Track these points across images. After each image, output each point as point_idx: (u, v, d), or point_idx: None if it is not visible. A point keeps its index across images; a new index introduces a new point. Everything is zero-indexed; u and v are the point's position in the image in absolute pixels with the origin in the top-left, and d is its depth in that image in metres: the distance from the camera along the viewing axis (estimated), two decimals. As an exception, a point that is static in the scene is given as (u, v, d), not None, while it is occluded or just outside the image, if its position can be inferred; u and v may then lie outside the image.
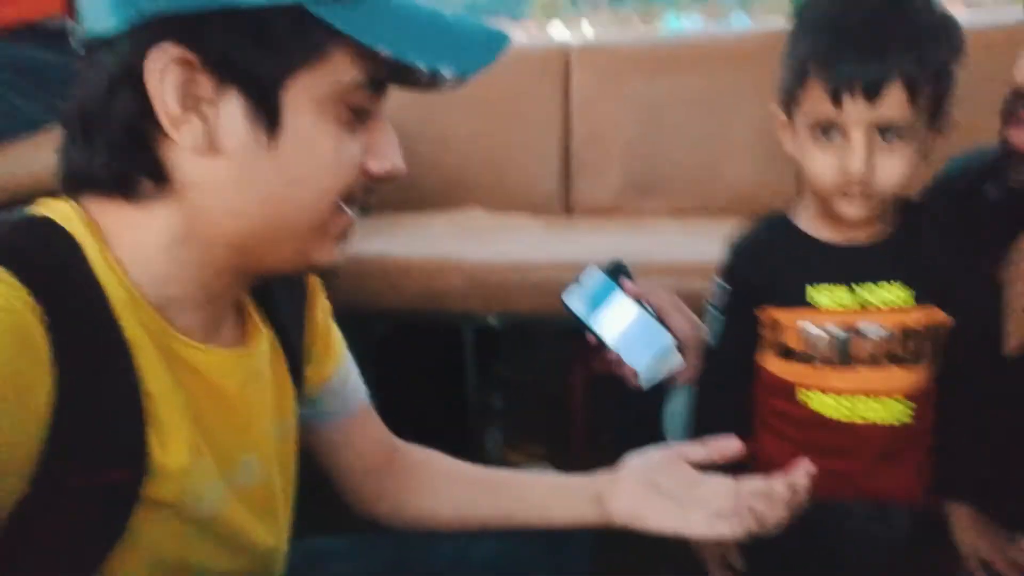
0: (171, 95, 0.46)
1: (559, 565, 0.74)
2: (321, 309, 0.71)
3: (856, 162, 0.66)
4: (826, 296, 0.73)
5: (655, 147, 2.02)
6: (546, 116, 2.10)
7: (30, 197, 0.53)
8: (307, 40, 0.48)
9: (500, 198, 2.05)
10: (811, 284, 0.73)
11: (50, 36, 0.92)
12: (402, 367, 1.58)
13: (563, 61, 2.11)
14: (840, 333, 0.73)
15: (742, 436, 0.74)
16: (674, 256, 1.54)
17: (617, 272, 0.94)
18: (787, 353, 0.76)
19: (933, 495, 0.78)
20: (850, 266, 0.72)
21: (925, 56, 0.63)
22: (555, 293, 1.59)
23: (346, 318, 0.75)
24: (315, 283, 0.70)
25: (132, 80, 0.47)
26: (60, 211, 0.50)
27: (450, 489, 0.76)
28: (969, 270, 0.73)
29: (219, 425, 0.56)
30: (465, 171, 2.07)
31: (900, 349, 0.71)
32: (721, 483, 0.67)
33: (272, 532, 0.62)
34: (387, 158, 0.54)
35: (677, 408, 1.06)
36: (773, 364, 0.78)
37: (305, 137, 0.49)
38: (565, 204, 2.11)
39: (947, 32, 0.65)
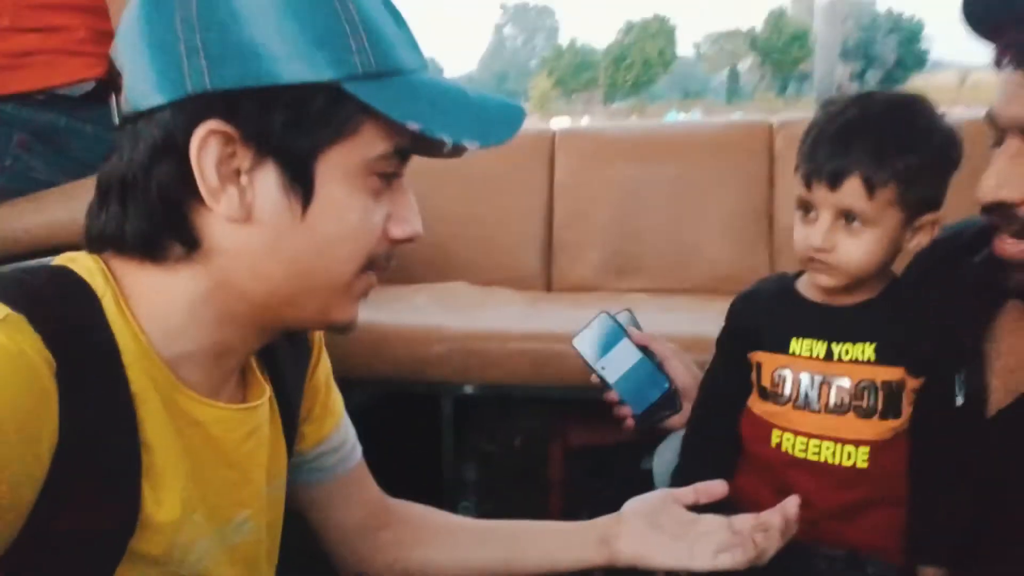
0: (211, 167, 0.49)
1: None
2: (323, 369, 0.73)
3: (815, 237, 0.78)
4: (805, 347, 0.83)
5: (634, 228, 2.10)
6: (531, 197, 2.18)
7: (42, 249, 0.56)
8: (341, 116, 0.50)
9: (484, 273, 2.10)
10: (794, 335, 0.83)
11: (67, 103, 0.95)
12: (380, 436, 1.58)
13: (548, 145, 2.21)
14: (811, 381, 0.82)
15: (724, 471, 0.83)
16: (650, 330, 1.58)
17: (625, 320, 1.05)
18: (765, 394, 0.85)
19: (906, 556, 0.81)
20: (829, 324, 0.82)
21: (884, 162, 0.74)
22: (533, 363, 1.63)
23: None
24: (319, 343, 0.72)
25: (174, 151, 0.49)
26: (84, 265, 0.52)
27: (450, 539, 0.77)
28: (943, 334, 0.80)
29: (217, 479, 0.57)
30: (452, 246, 2.13)
31: (860, 401, 0.80)
32: (715, 520, 0.73)
33: None
34: (409, 223, 0.57)
35: (666, 457, 1.08)
36: (755, 405, 0.87)
37: (335, 206, 0.52)
38: (547, 281, 2.16)
39: (921, 144, 0.75)
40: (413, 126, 0.51)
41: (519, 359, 1.60)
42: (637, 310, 1.80)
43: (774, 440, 0.84)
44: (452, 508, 1.75)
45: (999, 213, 0.69)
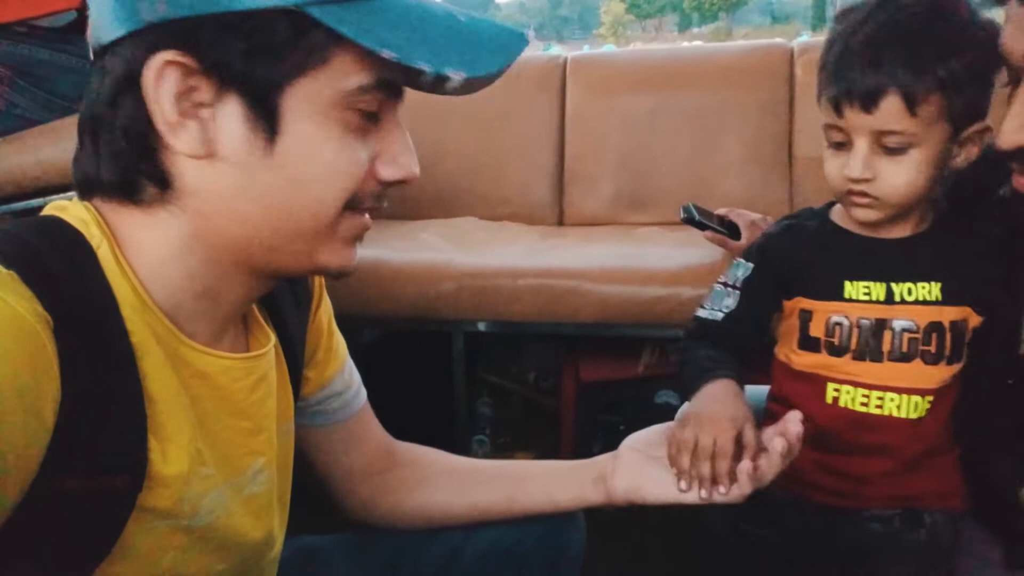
0: (168, 100, 0.46)
1: (555, 556, 0.75)
2: (324, 312, 0.71)
3: (854, 168, 0.70)
4: (861, 290, 0.75)
5: (648, 160, 2.04)
6: (541, 129, 2.12)
7: (34, 190, 0.54)
8: (307, 44, 0.47)
9: (495, 208, 2.07)
10: (847, 278, 0.76)
11: (46, 34, 0.92)
12: (391, 374, 1.59)
13: (559, 75, 2.14)
14: (872, 327, 0.75)
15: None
16: (664, 264, 1.56)
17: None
18: (814, 345, 0.78)
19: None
20: (885, 262, 0.75)
21: (924, 68, 0.66)
22: (545, 299, 1.62)
23: (337, 324, 0.75)
24: (319, 286, 0.71)
25: (133, 87, 0.47)
26: (75, 214, 0.50)
27: (454, 480, 0.77)
28: (993, 269, 0.74)
29: (227, 430, 0.56)
30: (461, 181, 2.09)
31: (929, 345, 0.74)
32: None
33: (270, 534, 0.62)
34: (400, 164, 0.53)
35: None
36: (797, 359, 0.80)
37: (305, 143, 0.49)
38: (559, 215, 2.13)
39: (962, 46, 0.67)
40: (388, 54, 0.47)
41: (531, 295, 1.58)
42: (651, 243, 1.78)
43: (830, 395, 0.77)
44: (466, 443, 1.80)
45: (1020, 158, 0.65)
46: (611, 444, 1.67)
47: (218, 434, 0.55)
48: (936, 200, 0.76)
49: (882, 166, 0.70)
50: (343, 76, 0.48)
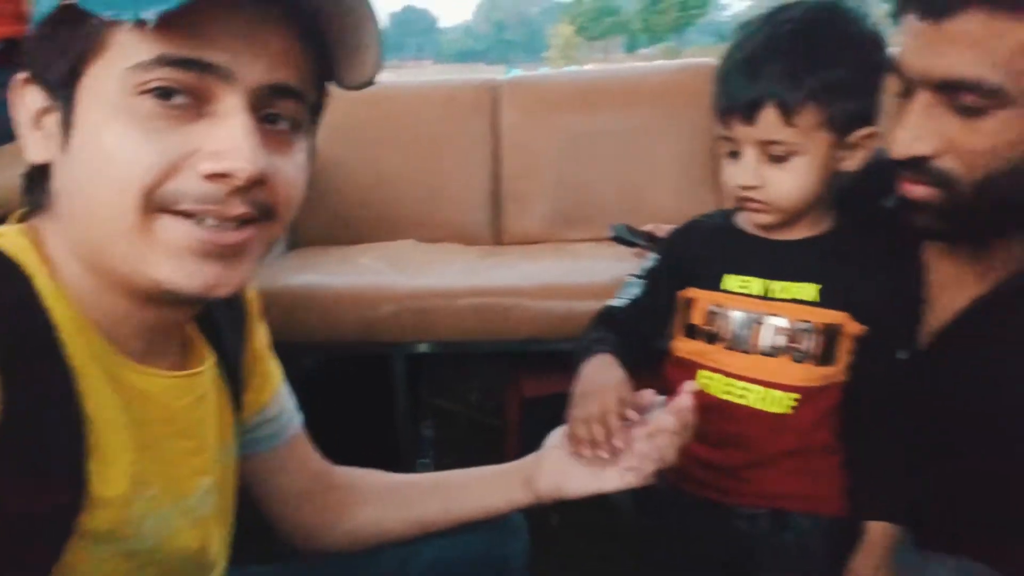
0: (24, 115, 0.50)
1: (499, 567, 0.76)
2: (260, 336, 0.71)
3: (742, 176, 0.74)
4: (739, 284, 0.78)
5: (582, 178, 2.08)
6: (477, 150, 2.14)
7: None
8: (83, 32, 0.47)
9: (433, 230, 2.07)
10: (727, 271, 0.79)
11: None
12: (331, 399, 1.56)
13: (492, 97, 2.17)
14: (745, 319, 0.77)
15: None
16: (602, 278, 1.59)
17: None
18: (694, 333, 0.81)
19: (851, 513, 0.79)
20: (767, 260, 0.78)
21: (797, 80, 0.69)
22: (485, 318, 1.62)
23: (275, 350, 0.75)
24: (254, 309, 0.70)
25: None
26: (12, 240, 0.50)
27: (390, 498, 0.76)
28: (890, 282, 0.78)
29: (172, 450, 0.55)
30: (398, 204, 2.09)
31: (797, 343, 0.76)
32: (633, 433, 0.70)
33: (214, 555, 0.61)
34: (222, 157, 0.47)
35: None
36: (681, 346, 0.83)
37: (91, 133, 0.48)
38: (496, 234, 2.14)
39: (839, 57, 0.70)
40: (105, 13, 0.45)
41: (471, 315, 1.58)
42: (588, 259, 1.81)
43: (700, 382, 0.80)
44: (410, 467, 1.78)
45: (913, 166, 0.69)
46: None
47: (162, 454, 0.54)
48: (830, 206, 0.80)
49: (769, 174, 0.73)
50: (122, 56, 0.46)
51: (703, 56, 2.35)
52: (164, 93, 0.46)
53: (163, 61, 0.46)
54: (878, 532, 0.77)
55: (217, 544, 0.62)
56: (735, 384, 0.78)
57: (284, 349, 0.75)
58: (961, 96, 0.64)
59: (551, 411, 1.87)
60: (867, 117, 0.74)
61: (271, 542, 0.76)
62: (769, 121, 0.71)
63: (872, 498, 0.78)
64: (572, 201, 2.09)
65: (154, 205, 0.47)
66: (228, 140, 0.47)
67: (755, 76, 0.70)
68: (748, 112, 0.71)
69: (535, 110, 2.14)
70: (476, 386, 2.09)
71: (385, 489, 0.77)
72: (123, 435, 0.50)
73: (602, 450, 0.68)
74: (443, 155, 2.13)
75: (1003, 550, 0.82)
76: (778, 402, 0.77)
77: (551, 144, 2.10)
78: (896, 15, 0.69)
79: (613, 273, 1.59)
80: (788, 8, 0.74)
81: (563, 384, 1.84)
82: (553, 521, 1.61)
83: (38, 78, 0.50)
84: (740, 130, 0.72)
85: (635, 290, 0.85)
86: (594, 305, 1.55)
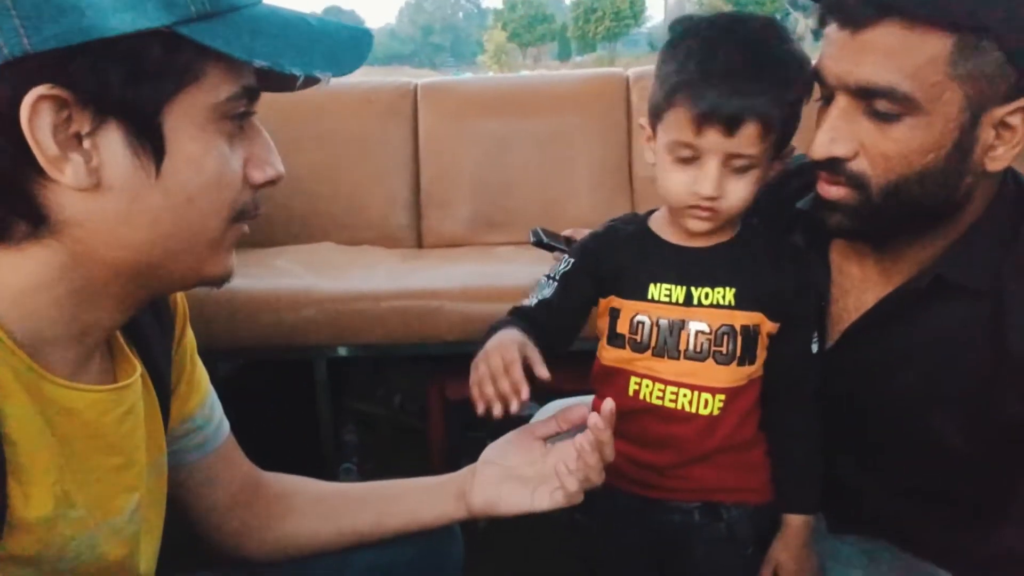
0: (46, 136, 0.45)
1: (434, 571, 0.77)
2: (188, 342, 0.70)
3: (707, 186, 0.74)
4: (663, 292, 0.80)
5: (501, 182, 2.11)
6: (396, 153, 2.14)
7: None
8: (181, 62, 0.48)
9: (353, 233, 2.05)
10: (652, 280, 0.80)
11: None
12: (252, 406, 1.53)
13: (410, 100, 2.17)
14: (670, 326, 0.80)
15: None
16: (523, 281, 1.61)
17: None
18: (620, 342, 0.82)
19: (776, 506, 0.83)
20: (688, 268, 0.80)
21: (778, 98, 0.72)
22: (408, 321, 1.63)
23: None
24: (182, 315, 0.69)
25: (4, 124, 0.45)
26: None
27: (321, 507, 0.76)
28: (789, 278, 0.81)
29: (99, 468, 0.54)
30: (316, 207, 2.06)
31: (720, 346, 0.79)
32: (566, 448, 0.72)
33: (143, 571, 0.60)
34: (270, 164, 0.55)
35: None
36: (607, 353, 0.84)
37: (191, 159, 0.50)
38: (417, 237, 2.15)
39: (799, 74, 0.74)
40: (260, 63, 0.49)
41: (393, 318, 1.59)
42: (508, 262, 1.84)
43: (631, 388, 0.81)
44: (333, 472, 1.76)
45: (830, 167, 0.74)
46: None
47: (89, 473, 0.53)
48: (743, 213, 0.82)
49: (729, 185, 0.75)
50: (214, 89, 0.50)
51: (636, 65, 2.41)
52: (244, 116, 0.53)
53: (246, 92, 0.52)
54: (797, 522, 0.81)
55: (146, 559, 0.60)
56: (666, 389, 0.80)
57: (200, 355, 0.74)
58: (875, 102, 0.69)
59: (474, 414, 1.89)
60: (793, 134, 0.78)
61: (198, 552, 0.74)
62: (749, 135, 0.72)
63: (791, 494, 0.83)
64: (492, 205, 2.12)
65: (235, 216, 0.54)
66: (268, 148, 0.55)
67: (738, 91, 0.70)
68: (730, 126, 0.71)
69: (452, 115, 2.16)
70: (399, 390, 2.08)
71: (315, 499, 0.77)
72: (46, 455, 0.49)
73: (512, 401, 0.68)
74: (362, 157, 2.12)
75: (902, 528, 0.89)
76: (708, 404, 0.79)
77: (469, 148, 2.13)
78: (820, 24, 0.74)
79: (534, 276, 1.60)
80: (742, 22, 0.75)
81: (486, 385, 1.86)
82: (481, 524, 1.63)
83: (90, 100, 0.46)
84: (714, 139, 0.72)
85: (547, 291, 0.85)
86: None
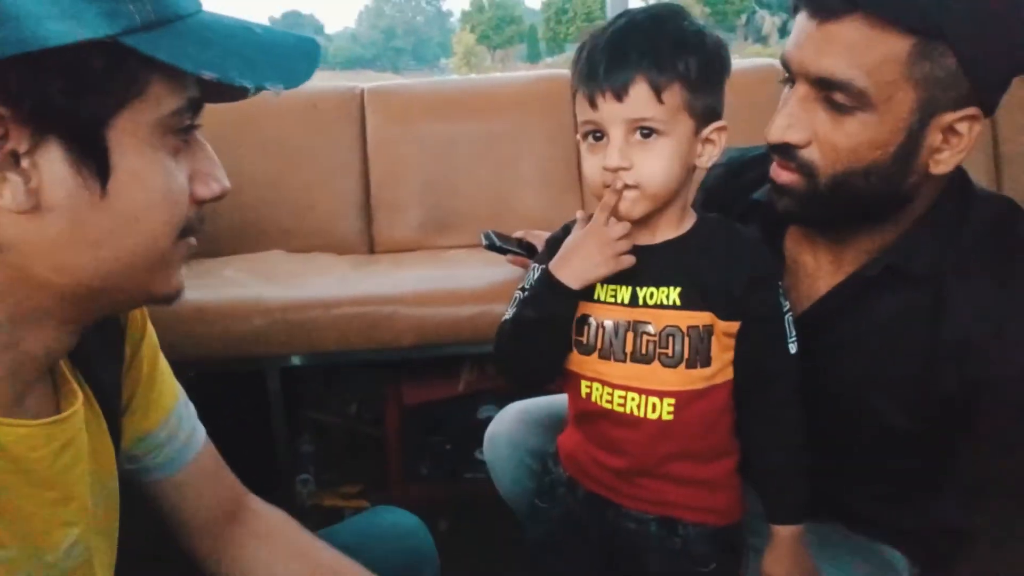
0: None
1: None
2: (145, 360, 0.67)
3: (611, 157, 0.74)
4: (609, 293, 0.80)
5: (451, 185, 2.11)
6: (344, 158, 2.12)
7: None
8: (125, 75, 0.46)
9: (302, 240, 2.03)
10: (600, 281, 0.79)
11: None
12: (204, 418, 1.50)
13: (357, 104, 2.15)
14: (615, 328, 0.79)
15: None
16: (476, 283, 1.62)
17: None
18: (575, 345, 0.82)
19: (769, 522, 0.80)
20: (634, 268, 0.77)
21: (664, 62, 0.73)
22: (361, 328, 1.61)
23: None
24: (137, 331, 0.66)
25: None
26: None
27: (288, 566, 0.73)
28: (744, 274, 0.78)
29: (30, 503, 0.51)
30: (263, 214, 2.03)
31: (665, 348, 0.77)
32: None
33: None
34: (214, 179, 0.53)
35: (499, 429, 1.12)
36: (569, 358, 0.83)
37: (136, 176, 0.48)
38: (368, 243, 2.13)
39: (697, 46, 0.74)
40: (208, 75, 0.47)
41: (346, 325, 1.57)
42: (460, 265, 1.84)
43: (583, 391, 0.81)
44: (289, 483, 1.73)
45: (784, 152, 0.77)
46: (438, 465, 1.71)
47: (18, 509, 0.50)
48: (690, 210, 0.82)
49: (637, 154, 0.74)
50: (159, 102, 0.48)
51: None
52: (188, 129, 0.51)
53: (192, 105, 0.50)
54: (785, 532, 0.79)
55: None
56: (614, 393, 0.79)
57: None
58: (832, 94, 0.72)
59: (431, 418, 1.89)
60: (718, 112, 0.78)
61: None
62: (640, 98, 0.72)
63: (773, 503, 0.80)
64: (442, 208, 2.11)
65: (182, 233, 0.52)
66: (212, 163, 0.54)
67: (624, 58, 0.72)
68: (620, 90, 0.72)
69: (399, 118, 2.15)
70: (355, 397, 2.06)
71: (288, 555, 0.74)
72: None
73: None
74: (309, 163, 2.09)
75: (848, 508, 0.92)
76: (656, 408, 0.77)
77: (418, 152, 2.12)
78: (793, 10, 0.76)
79: (488, 278, 1.63)
80: (638, 11, 0.77)
81: (442, 390, 1.88)
82: (441, 527, 1.63)
83: (28, 116, 0.43)
84: (609, 110, 0.73)
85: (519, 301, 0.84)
86: (471, 310, 1.60)
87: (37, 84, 0.43)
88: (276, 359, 1.60)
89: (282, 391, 1.64)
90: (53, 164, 0.45)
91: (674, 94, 0.73)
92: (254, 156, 2.03)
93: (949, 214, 0.79)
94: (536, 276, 0.83)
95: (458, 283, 1.64)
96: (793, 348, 0.79)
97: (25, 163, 0.44)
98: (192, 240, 0.54)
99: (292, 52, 0.53)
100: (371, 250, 2.12)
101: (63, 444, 0.53)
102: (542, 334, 0.81)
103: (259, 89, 0.50)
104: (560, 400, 1.07)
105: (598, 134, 0.76)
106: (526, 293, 0.83)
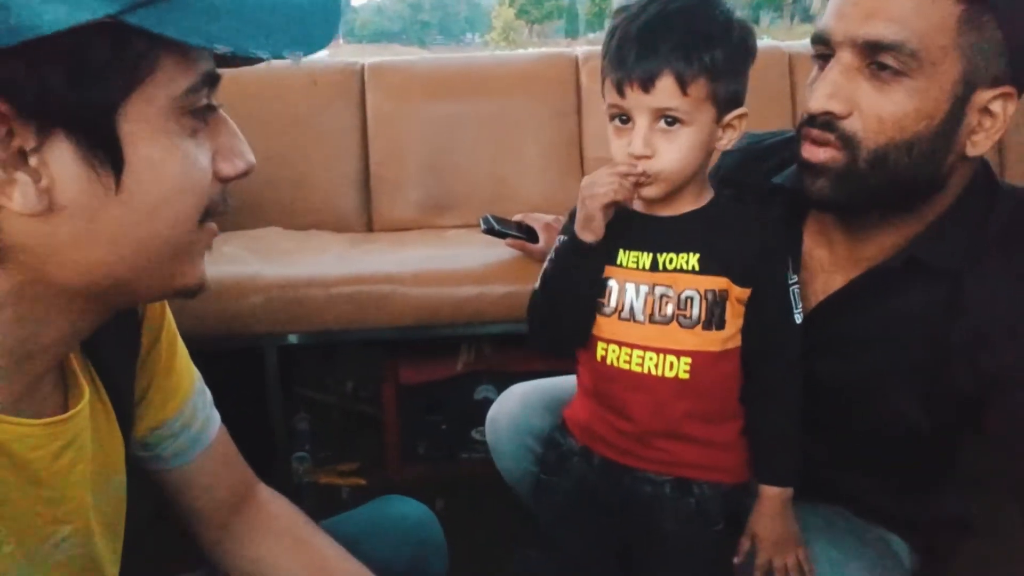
0: None
1: None
2: (164, 348, 0.65)
3: (636, 144, 0.78)
4: (631, 258, 0.84)
5: (450, 165, 2.09)
6: (344, 135, 2.10)
7: None
8: (130, 56, 0.42)
9: (300, 217, 2.01)
10: (621, 247, 0.84)
11: None
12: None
13: (357, 81, 2.13)
14: (636, 291, 0.83)
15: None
16: (474, 264, 1.61)
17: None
18: (596, 307, 0.85)
19: (755, 477, 0.85)
20: (655, 235, 0.83)
21: (692, 56, 0.75)
22: (359, 307, 1.61)
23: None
24: (155, 320, 0.64)
25: None
26: None
27: (292, 560, 0.72)
28: (759, 246, 0.82)
29: (26, 499, 0.50)
30: (262, 191, 2.01)
31: (684, 310, 0.81)
32: None
33: None
34: (239, 155, 0.51)
35: (501, 411, 1.12)
36: None
37: (152, 165, 0.45)
38: (367, 221, 2.12)
39: (723, 37, 0.77)
40: (222, 49, 0.43)
41: (344, 303, 1.56)
42: (459, 245, 1.83)
43: (599, 353, 0.84)
44: (286, 461, 1.73)
45: (824, 125, 0.76)
46: (435, 445, 1.71)
47: (15, 505, 0.49)
48: (708, 185, 0.85)
49: (660, 142, 0.78)
50: (170, 81, 0.44)
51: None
52: (207, 110, 0.48)
53: (207, 80, 0.46)
54: (772, 493, 0.83)
55: None
56: (633, 353, 0.83)
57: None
58: (882, 55, 0.71)
59: (429, 398, 1.89)
60: (740, 99, 0.81)
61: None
62: (666, 90, 0.76)
63: (766, 465, 0.85)
64: (442, 187, 2.09)
65: (204, 217, 0.49)
66: (236, 138, 0.50)
67: (653, 51, 0.75)
68: (647, 81, 0.75)
69: (401, 95, 2.12)
70: (351, 376, 2.06)
71: (293, 549, 0.73)
72: None
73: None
74: (309, 140, 2.07)
75: (853, 496, 0.92)
76: (673, 367, 0.82)
77: (419, 130, 2.10)
78: None
79: (487, 259, 1.62)
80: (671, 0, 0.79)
81: (439, 370, 1.88)
82: (438, 506, 1.63)
83: (31, 111, 0.40)
84: (636, 99, 0.77)
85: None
86: (469, 291, 1.60)
87: (36, 75, 0.40)
88: (273, 337, 1.59)
89: (279, 369, 1.64)
90: (63, 160, 0.42)
91: (699, 87, 0.76)
92: (252, 132, 1.97)
93: (974, 209, 0.78)
94: (561, 242, 0.87)
95: (457, 263, 1.63)
96: (798, 319, 0.82)
97: (33, 161, 0.42)
98: (213, 226, 0.51)
99: (309, 12, 0.48)
100: (369, 228, 2.11)
101: (64, 444, 0.52)
102: (568, 294, 0.85)
103: (277, 57, 0.46)
104: (561, 383, 1.10)
105: (624, 117, 0.79)
106: (553, 257, 0.87)
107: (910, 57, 0.70)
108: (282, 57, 0.45)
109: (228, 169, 0.50)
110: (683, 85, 0.75)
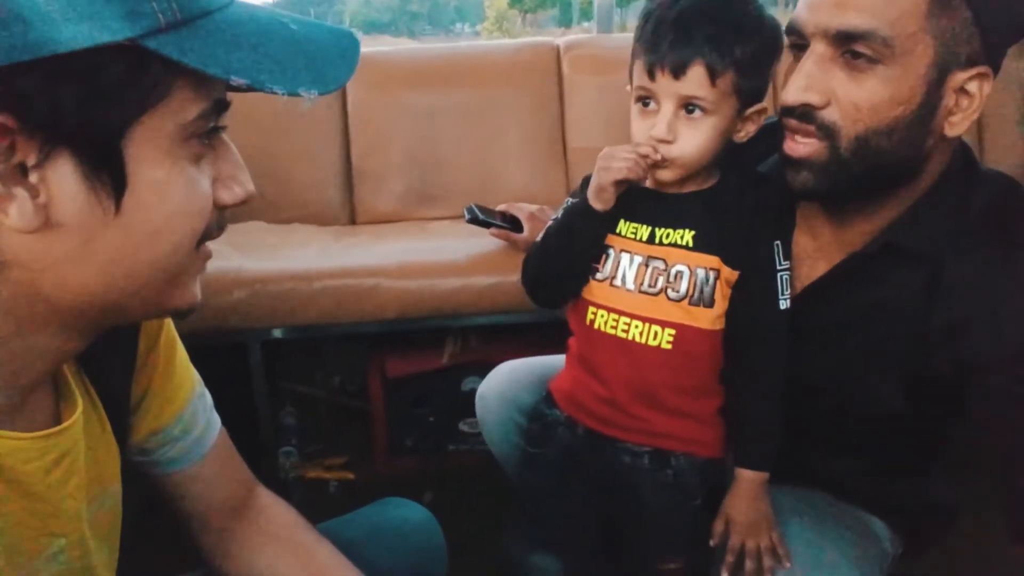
0: None
1: None
2: (163, 351, 0.64)
3: (659, 127, 0.80)
4: (631, 229, 0.86)
5: (432, 156, 2.08)
6: (325, 127, 2.08)
7: None
8: (146, 81, 0.42)
9: (282, 211, 1.99)
10: (623, 217, 0.86)
11: None
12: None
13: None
14: (631, 260, 0.86)
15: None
16: (459, 256, 1.61)
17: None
18: (591, 272, 0.88)
19: (732, 460, 0.86)
20: (657, 210, 0.86)
21: (724, 49, 0.77)
22: (343, 300, 1.60)
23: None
24: (152, 324, 0.63)
25: None
26: None
27: (289, 566, 0.72)
28: (750, 230, 0.84)
29: (18, 512, 0.49)
30: (241, 184, 1.99)
31: (673, 283, 0.84)
32: None
33: None
34: (239, 183, 0.50)
35: (490, 386, 1.12)
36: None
37: (154, 190, 0.44)
38: (350, 214, 2.11)
39: (754, 33, 0.78)
40: (238, 81, 0.43)
41: (329, 297, 1.56)
42: (443, 237, 1.82)
43: (588, 317, 0.87)
44: (273, 456, 1.72)
45: (801, 115, 0.76)
46: (422, 437, 1.71)
47: (6, 518, 0.48)
48: (716, 170, 0.86)
49: (682, 128, 0.80)
50: (183, 107, 0.44)
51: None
52: (213, 132, 0.48)
53: (218, 107, 0.47)
54: (748, 476, 0.85)
55: None
56: (620, 319, 0.85)
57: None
58: (854, 44, 0.72)
59: (415, 390, 1.89)
60: (762, 93, 0.83)
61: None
62: (696, 79, 0.77)
63: (743, 448, 0.86)
64: (424, 179, 2.09)
65: (200, 241, 0.49)
66: (237, 166, 0.50)
67: (688, 39, 0.77)
68: (678, 68, 0.77)
69: (381, 87, 2.11)
70: (338, 370, 2.05)
71: (293, 555, 0.73)
72: None
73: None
74: (290, 133, 2.05)
75: (835, 480, 0.93)
76: (657, 336, 0.84)
77: (399, 122, 2.09)
78: None
79: (471, 251, 1.62)
80: None
81: (426, 363, 1.87)
82: (426, 499, 1.63)
83: (38, 127, 0.40)
84: (665, 84, 0.78)
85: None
86: (454, 283, 1.60)
87: (48, 92, 0.39)
88: (258, 332, 1.58)
89: (264, 364, 1.63)
90: (64, 178, 0.42)
91: (727, 79, 0.78)
92: (233, 125, 1.97)
93: (952, 192, 0.79)
94: (571, 203, 0.89)
95: (441, 255, 1.63)
96: (783, 305, 0.84)
97: (33, 177, 0.41)
98: (208, 249, 0.51)
99: (328, 51, 0.48)
100: (352, 221, 2.10)
101: (57, 457, 0.51)
102: (568, 251, 0.88)
103: (291, 95, 0.45)
104: (549, 361, 1.12)
105: (648, 100, 0.81)
106: (561, 215, 0.89)
107: (882, 45, 0.71)
108: (296, 95, 0.45)
109: (227, 197, 0.50)
110: (713, 76, 0.77)
